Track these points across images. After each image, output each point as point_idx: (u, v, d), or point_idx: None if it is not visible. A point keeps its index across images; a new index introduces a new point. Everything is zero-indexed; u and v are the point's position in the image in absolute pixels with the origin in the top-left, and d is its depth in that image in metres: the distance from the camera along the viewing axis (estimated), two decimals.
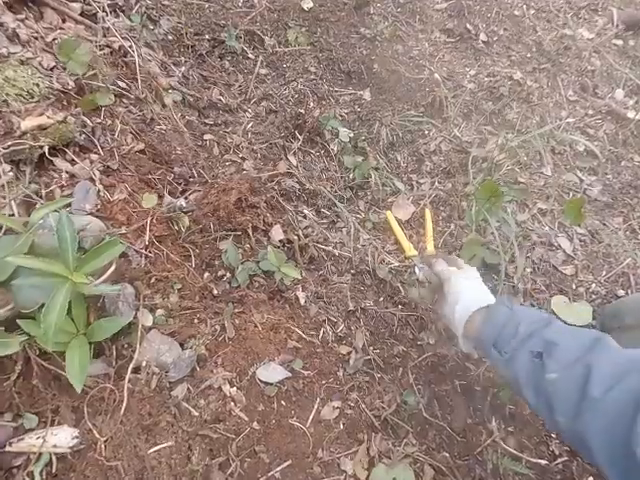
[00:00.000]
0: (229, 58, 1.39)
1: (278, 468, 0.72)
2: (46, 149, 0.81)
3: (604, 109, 1.47)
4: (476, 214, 1.10)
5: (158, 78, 1.15)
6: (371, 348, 0.92)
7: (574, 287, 1.11)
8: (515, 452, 0.86)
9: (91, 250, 0.62)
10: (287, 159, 1.19)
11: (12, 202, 0.73)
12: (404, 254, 1.10)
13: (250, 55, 1.41)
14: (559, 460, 0.87)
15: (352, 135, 1.28)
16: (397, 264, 1.06)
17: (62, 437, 0.67)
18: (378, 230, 1.15)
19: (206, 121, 1.21)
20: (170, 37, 1.33)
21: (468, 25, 1.63)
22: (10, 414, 0.68)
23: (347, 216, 1.13)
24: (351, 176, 1.21)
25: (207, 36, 1.38)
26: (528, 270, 1.10)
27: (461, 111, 1.38)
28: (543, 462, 0.86)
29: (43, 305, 0.63)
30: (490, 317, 0.69)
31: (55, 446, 0.66)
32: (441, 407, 0.90)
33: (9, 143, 0.77)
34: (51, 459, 0.66)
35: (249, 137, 1.22)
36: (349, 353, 0.89)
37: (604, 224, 1.23)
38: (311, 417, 0.78)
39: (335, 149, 1.25)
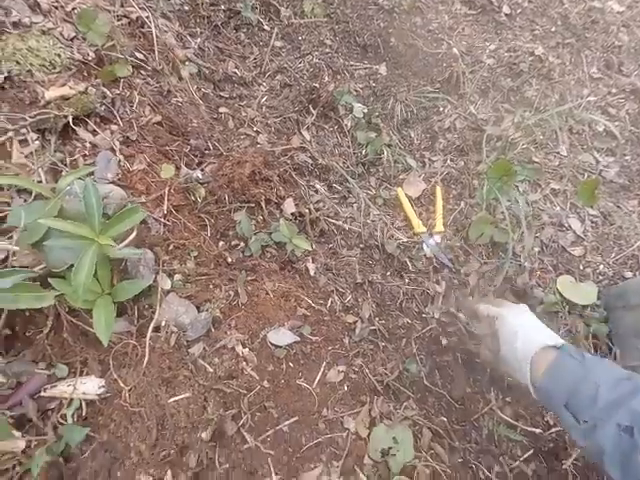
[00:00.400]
0: (244, 30, 1.38)
1: (286, 423, 0.78)
2: (70, 119, 0.84)
3: (628, 88, 1.42)
4: (487, 192, 1.10)
5: (174, 50, 1.16)
6: (377, 319, 0.96)
7: (581, 268, 1.11)
8: (511, 420, 0.90)
9: (114, 216, 0.66)
10: (300, 134, 1.20)
11: (40, 170, 0.77)
12: (413, 230, 1.12)
13: (266, 27, 1.39)
14: (553, 430, 0.91)
15: (366, 111, 1.27)
16: (406, 240, 1.09)
17: (90, 386, 0.73)
18: (388, 206, 1.17)
19: (221, 94, 1.22)
20: (186, 7, 1.32)
21: None
22: (44, 364, 0.75)
23: (358, 192, 1.15)
24: (364, 152, 1.22)
25: (223, 7, 1.37)
26: (536, 250, 1.11)
27: (478, 87, 1.36)
28: (537, 431, 0.90)
29: (72, 266, 0.68)
30: (558, 370, 0.61)
31: (84, 393, 0.73)
32: (442, 376, 0.94)
33: (35, 112, 0.80)
34: (81, 404, 0.73)
35: (263, 111, 1.23)
36: (355, 322, 0.93)
37: (618, 206, 1.22)
38: (317, 379, 0.83)
39: (349, 125, 1.26)
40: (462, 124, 1.31)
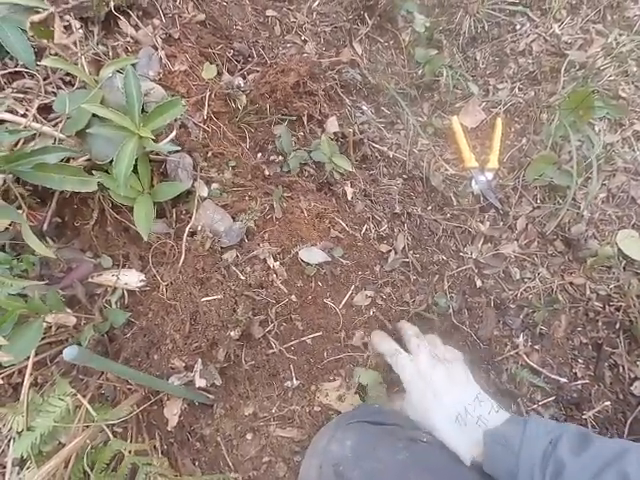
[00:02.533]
0: None
1: (310, 336, 0.80)
2: (112, 5, 0.79)
3: None
4: (556, 128, 0.97)
5: None
6: (411, 252, 0.93)
7: None
8: (536, 366, 0.89)
9: (155, 108, 0.64)
10: (352, 46, 1.09)
11: (82, 59, 0.75)
12: (463, 164, 1.03)
13: None
14: (579, 382, 0.89)
15: (428, 24, 1.12)
16: (453, 173, 1.01)
17: (132, 278, 0.78)
18: (439, 136, 1.07)
19: None
20: None
21: None
22: (90, 253, 0.80)
23: (408, 117, 1.05)
24: (420, 72, 1.09)
25: None
26: (600, 197, 1.00)
27: (568, 2, 1.14)
28: (562, 380, 0.88)
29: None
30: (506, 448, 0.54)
31: (126, 284, 0.78)
32: (471, 316, 0.92)
33: None
34: (123, 293, 0.78)
35: (314, 17, 1.11)
36: (388, 252, 0.90)
37: None
38: (344, 300, 0.84)
39: (407, 39, 1.12)
40: (540, 47, 1.12)
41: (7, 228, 0.63)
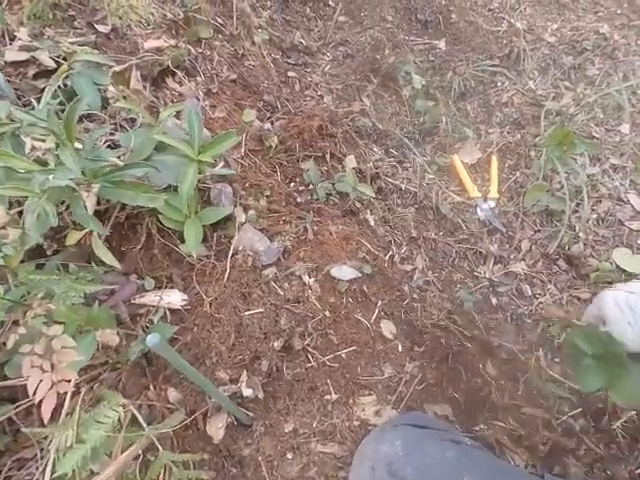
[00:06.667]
0: (310, 4, 1.46)
1: (345, 350, 0.83)
2: (166, 64, 0.94)
3: None
4: (545, 162, 1.12)
5: (250, 17, 1.25)
6: (430, 272, 1.00)
7: (639, 242, 1.10)
8: (560, 378, 0.92)
9: (214, 139, 0.74)
10: (361, 100, 1.26)
11: (141, 105, 0.87)
12: (467, 195, 1.15)
13: (330, 2, 1.47)
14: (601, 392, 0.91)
15: (424, 82, 1.31)
16: (460, 202, 1.12)
17: (174, 298, 0.82)
18: (443, 172, 1.21)
19: (289, 60, 1.30)
20: None
21: None
22: (135, 275, 0.84)
23: (414, 157, 1.19)
24: (421, 120, 1.26)
25: None
26: (592, 220, 1.11)
27: (538, 64, 1.37)
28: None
29: (169, 186, 0.77)
30: None
31: (169, 303, 0.81)
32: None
33: (140, 55, 0.90)
34: (165, 313, 0.81)
35: (327, 78, 1.30)
36: (412, 270, 0.97)
37: None
38: (374, 317, 0.88)
39: (407, 94, 1.30)
40: (520, 99, 1.32)
41: (79, 241, 0.69)
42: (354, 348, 0.84)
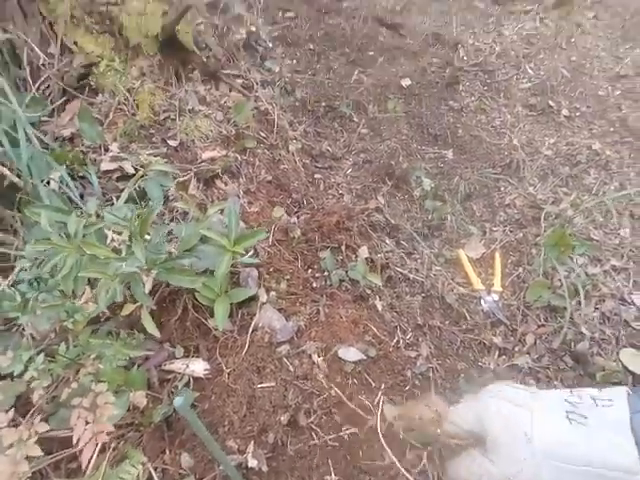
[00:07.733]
0: (338, 120, 1.77)
1: (347, 431, 0.88)
2: (217, 171, 1.18)
3: None
4: (544, 260, 1.21)
5: (287, 131, 1.54)
6: (434, 359, 1.06)
7: None
8: None
9: (247, 234, 0.91)
10: (376, 198, 1.46)
11: (193, 204, 1.08)
12: (472, 287, 1.24)
13: (355, 119, 1.77)
14: None
15: (433, 185, 1.50)
16: (465, 293, 1.21)
17: (198, 366, 0.93)
18: (449, 264, 1.32)
19: (317, 165, 1.55)
20: (297, 103, 1.76)
21: (551, 102, 1.82)
22: (168, 344, 0.97)
23: (423, 250, 1.32)
24: (430, 217, 1.42)
25: (324, 103, 1.78)
26: (596, 320, 1.15)
27: (537, 173, 1.54)
28: None
29: (206, 270, 0.94)
30: None
31: (193, 371, 0.92)
32: None
33: (198, 163, 1.15)
34: (189, 380, 0.92)
35: (348, 179, 1.52)
36: (416, 357, 1.04)
37: None
38: (376, 400, 0.94)
39: (418, 195, 1.49)
40: (522, 202, 1.47)
41: (130, 313, 0.84)
42: (356, 430, 0.89)
